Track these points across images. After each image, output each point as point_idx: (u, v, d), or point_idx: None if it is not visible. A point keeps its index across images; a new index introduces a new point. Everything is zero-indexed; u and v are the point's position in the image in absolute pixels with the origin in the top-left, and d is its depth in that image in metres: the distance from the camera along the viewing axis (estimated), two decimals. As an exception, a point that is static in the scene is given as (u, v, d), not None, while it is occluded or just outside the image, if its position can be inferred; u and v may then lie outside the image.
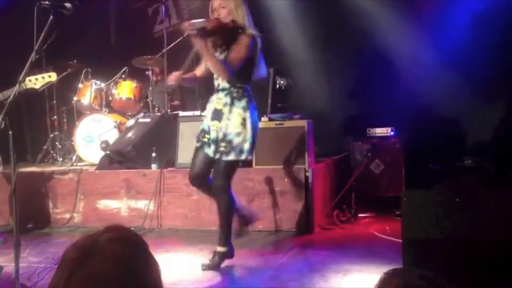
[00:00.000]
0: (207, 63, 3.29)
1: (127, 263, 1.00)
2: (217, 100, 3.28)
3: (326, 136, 5.38)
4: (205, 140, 3.30)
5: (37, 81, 3.07)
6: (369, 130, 5.29)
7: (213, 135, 3.27)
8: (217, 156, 3.24)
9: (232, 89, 3.25)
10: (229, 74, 3.18)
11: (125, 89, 5.81)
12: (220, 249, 3.37)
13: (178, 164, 4.80)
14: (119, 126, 5.61)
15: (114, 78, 5.91)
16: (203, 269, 3.34)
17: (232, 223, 3.39)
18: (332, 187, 4.94)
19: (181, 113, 5.13)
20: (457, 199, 2.58)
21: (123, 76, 5.87)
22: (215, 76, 3.33)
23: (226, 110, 3.25)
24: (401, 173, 4.98)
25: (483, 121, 5.58)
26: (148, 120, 5.30)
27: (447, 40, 5.51)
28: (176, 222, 4.65)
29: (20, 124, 6.39)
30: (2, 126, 2.73)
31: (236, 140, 3.21)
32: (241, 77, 3.25)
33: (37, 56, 2.69)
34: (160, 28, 6.60)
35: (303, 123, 4.56)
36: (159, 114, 5.47)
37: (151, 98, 5.81)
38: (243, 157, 3.24)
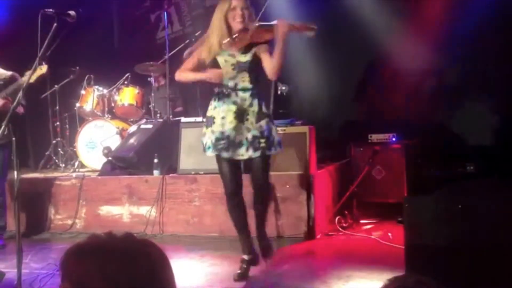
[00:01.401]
0: (275, 60, 3.13)
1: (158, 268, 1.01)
2: (241, 102, 3.21)
3: (327, 142, 5.39)
4: (222, 146, 3.19)
5: (32, 77, 3.10)
6: (370, 136, 5.30)
7: (240, 138, 3.19)
8: (257, 154, 3.18)
9: (255, 89, 3.25)
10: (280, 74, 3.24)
11: (128, 95, 5.84)
12: (246, 257, 3.37)
13: (180, 170, 4.81)
14: (121, 132, 5.62)
15: (116, 84, 5.93)
16: (235, 280, 3.32)
17: None
18: (334, 193, 4.94)
19: (183, 119, 5.14)
20: (459, 206, 2.57)
21: (125, 82, 5.90)
22: (230, 75, 3.22)
23: (252, 110, 3.20)
24: (402, 179, 4.98)
25: (485, 127, 5.58)
26: (150, 126, 5.32)
27: (448, 45, 5.53)
28: (178, 228, 4.65)
29: (23, 130, 6.41)
30: (5, 133, 2.74)
31: (271, 136, 3.24)
32: (260, 77, 3.29)
33: (47, 65, 2.70)
34: (163, 34, 6.64)
35: (305, 129, 4.56)
36: (161, 120, 5.49)
37: (153, 104, 5.83)
38: (278, 149, 3.30)
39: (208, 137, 3.27)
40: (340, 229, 4.47)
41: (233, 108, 3.20)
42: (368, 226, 4.66)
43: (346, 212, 4.67)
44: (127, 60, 6.21)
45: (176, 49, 5.76)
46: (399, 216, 4.13)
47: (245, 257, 3.37)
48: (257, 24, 3.18)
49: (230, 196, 3.33)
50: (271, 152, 3.28)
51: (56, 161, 5.93)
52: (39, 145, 6.42)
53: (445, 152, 5.34)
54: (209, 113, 3.31)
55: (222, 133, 3.20)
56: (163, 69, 5.85)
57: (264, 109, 3.25)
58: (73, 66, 6.03)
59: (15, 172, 2.71)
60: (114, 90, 5.92)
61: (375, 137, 5.26)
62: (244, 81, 3.22)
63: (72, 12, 2.77)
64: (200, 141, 3.37)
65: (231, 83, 3.24)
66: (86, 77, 5.91)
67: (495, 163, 5.00)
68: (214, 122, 3.25)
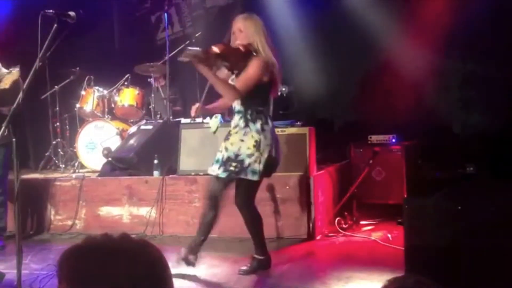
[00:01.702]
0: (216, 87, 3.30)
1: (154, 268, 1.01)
2: (234, 123, 3.35)
3: (327, 143, 5.39)
4: (232, 169, 3.32)
5: (6, 83, 3.10)
6: (370, 137, 5.30)
7: (218, 155, 3.33)
8: (223, 175, 3.29)
9: (247, 111, 3.29)
10: (235, 96, 3.24)
11: (128, 96, 5.84)
12: (257, 256, 3.45)
13: (180, 171, 4.81)
14: (121, 133, 5.62)
15: (116, 85, 5.93)
16: (240, 274, 3.41)
17: (263, 233, 3.49)
18: (334, 194, 4.94)
19: (183, 120, 5.14)
20: (459, 207, 2.58)
21: (125, 83, 5.90)
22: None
23: (235, 131, 3.31)
24: (402, 180, 4.98)
25: (486, 129, 5.58)
26: (150, 127, 5.32)
27: (448, 46, 5.53)
28: (178, 229, 4.65)
29: (23, 131, 6.41)
30: (5, 134, 2.74)
31: (247, 161, 3.24)
32: (255, 100, 3.29)
33: (41, 63, 2.71)
34: (163, 35, 6.64)
35: (305, 130, 4.57)
36: (161, 121, 5.49)
37: (153, 105, 5.83)
38: (255, 178, 3.28)
39: (224, 154, 3.38)
40: (340, 230, 4.47)
41: (230, 128, 3.37)
42: (368, 227, 4.66)
43: (346, 213, 4.67)
44: (127, 61, 6.22)
45: (176, 50, 5.77)
46: (399, 217, 4.13)
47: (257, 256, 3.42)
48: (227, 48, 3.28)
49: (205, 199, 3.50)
50: (240, 176, 3.28)
51: (56, 161, 5.93)
52: (39, 146, 6.42)
53: (445, 153, 5.34)
54: None
55: (222, 153, 3.36)
56: (163, 70, 5.86)
57: (253, 133, 3.25)
58: (73, 67, 6.03)
59: (15, 173, 2.71)
60: (114, 91, 5.91)
61: (375, 138, 5.26)
62: (238, 103, 3.33)
63: (72, 13, 2.77)
64: None
65: (233, 106, 3.39)
66: (86, 78, 5.91)
67: (495, 164, 5.01)
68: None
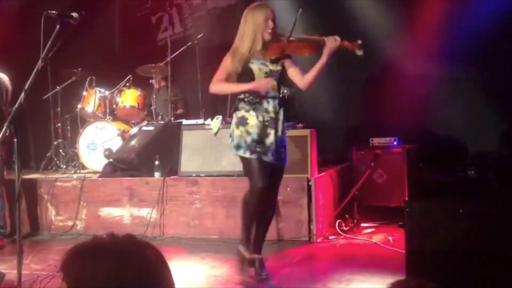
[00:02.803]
0: (314, 73, 3.29)
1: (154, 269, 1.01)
2: (272, 109, 3.29)
3: (329, 146, 5.39)
4: (259, 150, 3.23)
5: None
6: (372, 140, 5.29)
7: (273, 145, 3.24)
8: (279, 163, 3.29)
9: (279, 98, 3.35)
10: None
11: (129, 97, 5.84)
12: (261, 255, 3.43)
13: (181, 172, 4.81)
14: (122, 134, 5.63)
15: (118, 86, 5.94)
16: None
17: None
18: (335, 197, 4.94)
19: (184, 122, 5.14)
20: (460, 210, 2.57)
21: (127, 84, 5.90)
22: None
23: (279, 118, 3.30)
24: (404, 183, 4.97)
25: (487, 132, 5.58)
26: (151, 128, 5.32)
27: (450, 50, 5.53)
28: (179, 230, 4.65)
29: (24, 131, 6.42)
30: (7, 134, 2.75)
31: (286, 149, 3.36)
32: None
33: (43, 64, 2.71)
34: (164, 36, 6.64)
35: (306, 132, 4.57)
36: (162, 122, 5.49)
37: (154, 106, 5.83)
38: (285, 163, 3.40)
39: (241, 137, 3.24)
40: (341, 232, 4.46)
41: (266, 116, 3.27)
42: (369, 230, 4.65)
43: (347, 215, 4.66)
44: (128, 62, 6.22)
45: (178, 51, 5.78)
46: (400, 220, 4.12)
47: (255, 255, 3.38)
48: (294, 37, 3.25)
49: (260, 193, 3.22)
50: (286, 163, 3.37)
51: (57, 162, 5.93)
52: (41, 146, 6.43)
53: (447, 156, 5.34)
54: (239, 114, 3.30)
55: (260, 136, 3.23)
56: (164, 71, 5.86)
57: (284, 120, 3.33)
58: (75, 67, 6.04)
59: (17, 173, 2.72)
60: (116, 92, 5.92)
61: (376, 141, 5.26)
62: (274, 89, 3.31)
63: (74, 14, 2.77)
64: (232, 138, 3.32)
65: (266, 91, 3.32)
66: (88, 79, 5.92)
67: (497, 168, 5.00)
68: (247, 123, 3.25)
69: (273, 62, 3.29)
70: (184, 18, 7.04)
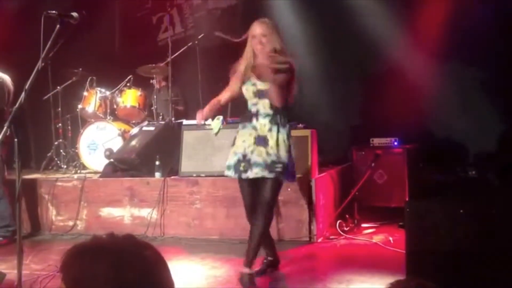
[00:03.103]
0: (270, 90, 3.25)
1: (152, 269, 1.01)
2: (261, 127, 3.29)
3: (329, 146, 5.38)
4: (242, 169, 3.28)
5: None
6: (372, 140, 5.29)
7: (258, 159, 3.24)
8: (271, 175, 3.23)
9: (276, 115, 3.29)
10: (282, 102, 3.28)
11: (130, 97, 5.84)
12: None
13: (181, 172, 4.81)
14: (123, 134, 5.63)
15: (119, 86, 5.94)
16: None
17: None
18: (335, 197, 4.93)
19: (185, 122, 5.14)
20: (461, 210, 2.57)
21: (127, 84, 5.90)
22: (253, 101, 3.33)
23: (271, 135, 3.26)
24: (404, 184, 4.97)
25: (487, 132, 5.57)
26: (152, 128, 5.32)
27: (451, 51, 5.53)
28: (179, 230, 4.65)
29: (25, 131, 6.42)
30: (7, 134, 2.75)
31: (286, 164, 3.27)
32: (283, 103, 3.33)
33: (43, 64, 2.71)
34: (165, 36, 6.64)
35: (307, 132, 4.56)
36: (163, 122, 5.49)
37: (155, 107, 5.83)
38: (292, 179, 3.40)
39: (231, 158, 3.35)
40: (341, 233, 4.46)
41: (253, 133, 3.30)
42: (369, 230, 4.65)
43: (347, 216, 4.66)
44: (129, 62, 6.22)
45: (178, 52, 5.78)
46: (401, 220, 4.12)
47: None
48: (270, 59, 3.24)
49: (249, 211, 3.37)
50: (284, 179, 3.30)
51: (58, 162, 5.93)
52: (41, 146, 6.43)
53: (447, 156, 5.33)
54: (236, 135, 3.42)
55: (244, 156, 3.29)
56: (165, 71, 5.86)
57: (285, 137, 3.28)
58: (76, 67, 6.04)
59: (17, 173, 2.72)
60: (117, 92, 5.92)
61: (377, 141, 5.26)
62: (265, 107, 3.31)
63: (75, 14, 2.77)
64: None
65: (254, 109, 3.34)
66: (89, 79, 5.92)
67: (497, 168, 5.00)
68: (234, 144, 3.38)
69: (262, 80, 3.29)
70: (185, 19, 7.04)
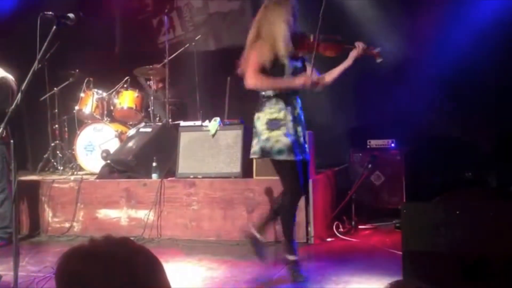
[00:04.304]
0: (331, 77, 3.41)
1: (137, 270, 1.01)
2: (299, 106, 3.34)
3: (326, 147, 5.38)
4: (298, 150, 3.24)
5: None
6: (369, 142, 5.29)
7: (301, 139, 3.27)
8: (308, 157, 3.32)
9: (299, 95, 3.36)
10: None
11: (127, 99, 5.83)
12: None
13: (178, 174, 4.81)
14: (120, 136, 5.62)
15: (116, 88, 5.93)
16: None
17: None
18: (332, 199, 4.94)
19: (182, 123, 5.14)
20: (457, 212, 2.57)
21: (125, 85, 5.90)
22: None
23: (301, 113, 3.34)
24: (401, 185, 4.98)
25: (484, 134, 5.58)
26: (149, 129, 5.32)
27: (449, 53, 5.54)
28: (176, 232, 4.64)
29: (21, 133, 6.40)
30: (3, 135, 2.74)
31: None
32: None
33: (39, 65, 2.71)
34: (165, 39, 6.64)
35: (304, 134, 4.56)
36: (160, 124, 5.48)
37: (152, 108, 5.83)
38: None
39: (279, 141, 3.17)
40: (338, 234, 4.46)
41: (295, 112, 3.29)
42: (366, 232, 4.65)
43: (344, 217, 4.66)
44: (129, 64, 6.21)
45: (177, 52, 5.78)
46: (397, 222, 4.13)
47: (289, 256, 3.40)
48: (322, 37, 3.28)
49: (297, 196, 3.36)
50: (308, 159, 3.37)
51: (55, 164, 5.92)
52: (38, 148, 6.41)
53: (444, 158, 5.34)
54: (271, 116, 3.21)
55: (299, 137, 3.26)
56: (162, 73, 5.86)
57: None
58: (73, 69, 6.03)
59: (13, 175, 2.71)
60: (114, 93, 5.91)
61: (374, 143, 5.26)
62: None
63: (71, 15, 2.77)
64: (261, 146, 3.23)
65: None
66: (86, 80, 5.91)
67: (494, 171, 5.01)
68: (283, 125, 3.20)
69: (296, 58, 3.29)
70: (185, 21, 7.04)
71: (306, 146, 3.33)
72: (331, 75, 3.44)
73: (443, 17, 5.58)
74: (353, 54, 3.34)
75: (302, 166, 3.30)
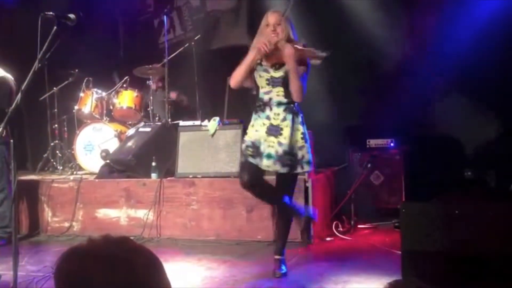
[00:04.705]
0: (292, 83, 3.24)
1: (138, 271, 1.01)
2: (274, 116, 3.28)
3: (326, 147, 5.38)
4: (250, 153, 3.28)
5: None
6: (369, 141, 5.30)
7: (269, 150, 3.24)
8: (284, 170, 3.25)
9: (291, 104, 3.29)
10: (303, 94, 3.27)
11: (126, 98, 5.83)
12: (279, 257, 3.47)
13: (178, 173, 4.81)
14: (119, 135, 5.62)
15: (115, 87, 5.93)
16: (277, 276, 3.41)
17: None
18: (332, 198, 4.94)
19: (181, 123, 5.14)
20: (456, 212, 2.58)
21: (124, 85, 5.90)
22: (265, 90, 3.31)
23: (285, 124, 3.25)
24: (400, 185, 4.98)
25: (484, 134, 5.59)
26: (148, 129, 5.32)
27: (448, 52, 5.54)
28: (175, 231, 4.64)
29: (21, 132, 6.40)
30: (3, 135, 2.74)
31: (300, 154, 3.28)
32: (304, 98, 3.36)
33: (40, 65, 2.71)
34: (165, 39, 6.64)
35: (303, 133, 4.56)
36: (159, 123, 5.49)
37: (151, 108, 5.83)
38: (308, 168, 3.37)
39: (244, 143, 3.38)
40: (337, 234, 4.47)
41: (267, 122, 3.28)
42: (366, 231, 4.66)
43: (343, 217, 4.67)
44: (130, 64, 6.21)
45: (176, 52, 5.78)
46: (397, 221, 4.13)
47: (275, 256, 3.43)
48: (290, 45, 3.24)
49: (244, 186, 3.37)
50: (298, 171, 3.32)
51: (54, 163, 5.92)
52: (37, 147, 6.41)
53: (443, 157, 5.34)
54: (251, 122, 3.39)
55: (253, 142, 3.29)
56: (162, 72, 5.86)
57: (299, 126, 3.29)
58: (72, 68, 6.02)
59: (13, 174, 2.71)
60: (113, 93, 5.91)
61: (373, 142, 5.26)
62: (279, 95, 3.29)
63: (72, 15, 2.77)
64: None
65: (266, 97, 3.31)
66: (85, 80, 5.91)
67: (493, 170, 5.01)
68: (247, 133, 3.38)
69: (276, 68, 3.28)
70: (184, 21, 7.05)
71: (279, 158, 3.21)
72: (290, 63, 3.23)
73: (443, 16, 5.58)
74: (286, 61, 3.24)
75: (250, 166, 3.28)
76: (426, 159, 5.31)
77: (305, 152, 3.30)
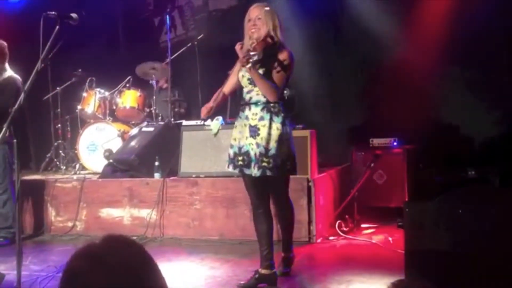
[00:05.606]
0: (258, 86, 3.11)
1: (133, 271, 1.01)
2: (252, 116, 3.14)
3: (329, 146, 5.38)
4: (241, 163, 3.15)
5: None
6: (372, 141, 5.29)
7: (251, 153, 3.13)
8: (259, 173, 3.08)
9: (269, 104, 3.12)
10: (277, 95, 3.12)
11: (129, 98, 5.85)
12: (283, 255, 3.47)
13: (181, 173, 4.81)
14: (122, 135, 5.63)
15: (118, 87, 5.94)
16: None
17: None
18: (335, 198, 4.94)
19: (184, 122, 5.15)
20: (460, 211, 2.57)
21: (127, 85, 5.91)
22: (247, 89, 3.20)
23: (262, 124, 3.10)
24: (403, 184, 4.97)
25: (487, 133, 5.58)
26: (151, 129, 5.32)
27: (450, 50, 5.53)
28: (179, 231, 4.65)
29: (24, 132, 6.42)
30: (7, 135, 2.75)
31: (279, 158, 3.10)
32: (278, 97, 3.17)
33: (43, 65, 2.71)
34: (166, 38, 6.65)
35: (306, 133, 4.56)
36: (162, 123, 5.49)
37: (154, 107, 5.83)
38: (286, 172, 3.21)
39: (229, 150, 3.25)
40: (341, 233, 4.46)
41: (247, 123, 3.15)
42: (369, 231, 4.65)
43: (347, 216, 4.66)
44: (131, 64, 6.22)
45: (179, 52, 5.78)
46: (400, 220, 4.11)
47: (259, 270, 3.24)
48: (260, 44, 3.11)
49: (253, 209, 3.30)
50: (272, 174, 3.09)
51: (57, 163, 5.93)
52: (41, 147, 6.43)
53: (446, 157, 5.33)
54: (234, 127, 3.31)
55: (240, 148, 3.17)
56: (165, 72, 5.86)
57: (278, 125, 3.10)
58: (75, 68, 6.04)
59: (16, 174, 2.72)
60: (116, 93, 5.92)
61: (376, 142, 5.26)
62: (259, 94, 3.15)
63: (74, 15, 2.78)
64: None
65: (247, 97, 3.21)
66: (88, 80, 5.92)
67: (496, 169, 4.99)
68: (231, 135, 3.26)
69: (256, 68, 3.10)
70: (186, 20, 7.05)
71: (257, 161, 3.08)
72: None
73: (444, 15, 5.57)
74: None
75: (250, 182, 3.21)
76: (429, 158, 5.30)
77: (285, 156, 3.12)
